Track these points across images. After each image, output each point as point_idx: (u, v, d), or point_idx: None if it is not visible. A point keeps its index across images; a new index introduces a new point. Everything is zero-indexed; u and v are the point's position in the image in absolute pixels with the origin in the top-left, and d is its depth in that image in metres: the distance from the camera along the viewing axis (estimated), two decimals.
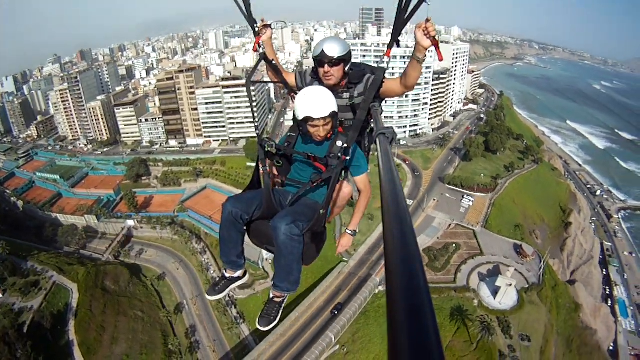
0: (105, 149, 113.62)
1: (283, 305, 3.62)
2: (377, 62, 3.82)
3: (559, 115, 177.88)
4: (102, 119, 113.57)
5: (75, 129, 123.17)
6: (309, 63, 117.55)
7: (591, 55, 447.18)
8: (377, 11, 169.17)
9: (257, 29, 3.62)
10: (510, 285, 49.46)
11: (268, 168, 3.54)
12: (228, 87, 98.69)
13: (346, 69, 3.48)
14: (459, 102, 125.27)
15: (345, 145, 3.21)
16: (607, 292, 71.77)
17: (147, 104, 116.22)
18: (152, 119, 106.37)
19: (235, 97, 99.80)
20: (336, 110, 3.24)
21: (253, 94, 3.83)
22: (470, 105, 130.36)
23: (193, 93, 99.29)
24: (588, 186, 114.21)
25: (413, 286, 0.74)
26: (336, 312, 50.93)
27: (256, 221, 3.50)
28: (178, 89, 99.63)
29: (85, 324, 60.27)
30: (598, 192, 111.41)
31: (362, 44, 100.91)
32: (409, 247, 0.90)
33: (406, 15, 2.77)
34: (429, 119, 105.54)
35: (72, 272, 69.18)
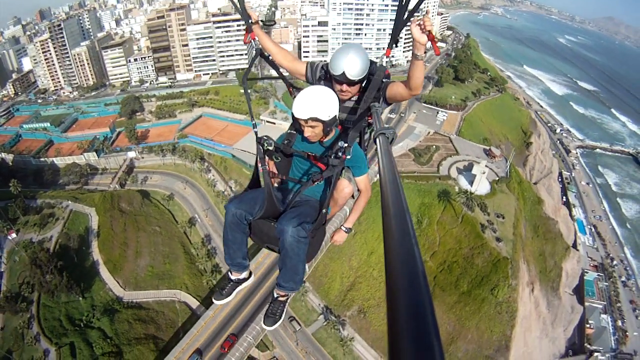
0: (92, 93, 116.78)
1: (287, 304, 3.78)
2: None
3: (522, 63, 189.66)
4: (88, 63, 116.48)
5: (58, 78, 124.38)
6: None
7: (559, 11, 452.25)
8: None
9: (250, 24, 3.56)
10: (484, 173, 59.64)
11: (268, 167, 3.51)
12: (219, 22, 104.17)
13: (363, 84, 3.51)
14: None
15: (346, 144, 3.29)
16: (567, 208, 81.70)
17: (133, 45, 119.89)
18: (142, 57, 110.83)
19: (226, 31, 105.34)
20: (322, 117, 3.21)
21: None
22: (440, 44, 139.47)
23: (184, 30, 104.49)
24: (549, 125, 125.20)
25: (413, 286, 0.76)
26: None
27: (257, 221, 3.51)
28: (169, 27, 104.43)
29: (108, 243, 64.41)
30: (558, 130, 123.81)
31: None
32: (409, 247, 0.91)
33: (406, 15, 2.91)
34: (403, 51, 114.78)
35: (87, 198, 73.40)
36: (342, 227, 3.98)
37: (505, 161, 69.22)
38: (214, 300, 4.01)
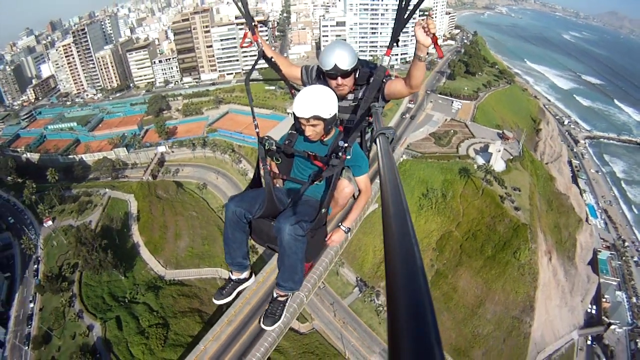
0: (117, 95, 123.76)
1: (287, 304, 3.79)
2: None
3: (527, 60, 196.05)
4: (112, 66, 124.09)
5: (80, 82, 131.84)
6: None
7: (563, 7, 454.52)
8: None
9: (254, 26, 3.66)
10: (499, 151, 65.64)
11: (269, 166, 3.65)
12: (242, 23, 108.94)
13: (357, 75, 3.66)
14: (439, 38, 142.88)
15: (346, 144, 3.41)
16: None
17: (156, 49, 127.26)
18: (166, 59, 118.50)
19: None
20: (323, 115, 3.32)
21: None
22: (449, 41, 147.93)
23: (208, 31, 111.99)
24: (557, 117, 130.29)
25: (413, 286, 0.78)
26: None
27: (257, 220, 3.58)
28: (193, 29, 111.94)
29: (148, 226, 69.16)
30: (566, 122, 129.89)
31: None
32: (409, 247, 0.92)
33: (406, 15, 3.05)
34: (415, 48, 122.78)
35: (125, 186, 78.43)
36: (340, 226, 3.83)
37: (518, 143, 75.08)
38: (214, 300, 4.06)
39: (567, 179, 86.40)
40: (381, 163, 1.78)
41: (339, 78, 3.56)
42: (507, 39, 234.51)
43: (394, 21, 3.22)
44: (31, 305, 59.37)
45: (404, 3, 2.97)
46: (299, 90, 3.53)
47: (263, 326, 3.71)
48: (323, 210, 3.40)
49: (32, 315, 58.02)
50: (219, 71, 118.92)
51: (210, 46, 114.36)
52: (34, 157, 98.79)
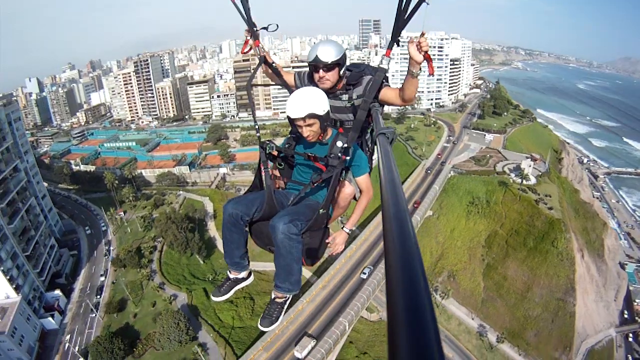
0: (174, 124, 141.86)
1: (285, 306, 3.87)
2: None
3: (545, 110, 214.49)
4: (171, 97, 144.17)
5: (136, 109, 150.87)
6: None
7: (576, 59, 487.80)
8: (375, 22, 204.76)
9: (256, 32, 3.93)
10: (530, 165, 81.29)
11: (270, 170, 3.86)
12: (297, 67, 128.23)
13: (341, 72, 3.81)
14: (466, 86, 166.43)
15: (346, 145, 3.51)
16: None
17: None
18: (224, 95, 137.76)
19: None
20: (318, 112, 3.49)
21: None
22: (475, 90, 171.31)
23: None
24: (577, 156, 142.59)
25: (413, 286, 0.80)
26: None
27: (258, 222, 3.79)
28: (252, 69, 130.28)
29: None
30: (585, 161, 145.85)
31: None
32: (409, 247, 0.95)
33: (406, 16, 3.15)
34: (448, 94, 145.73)
35: (198, 190, 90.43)
36: (344, 228, 4.00)
37: (544, 163, 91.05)
38: (212, 296, 4.21)
39: (590, 194, 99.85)
40: (381, 163, 1.88)
41: (321, 71, 3.74)
42: (524, 91, 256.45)
43: (394, 21, 3.39)
44: (102, 278, 66.85)
45: (403, 4, 3.11)
46: None
47: (260, 327, 3.83)
48: (322, 210, 3.56)
49: (103, 287, 64.88)
50: (273, 109, 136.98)
51: (267, 85, 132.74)
52: (90, 168, 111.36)
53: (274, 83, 4.44)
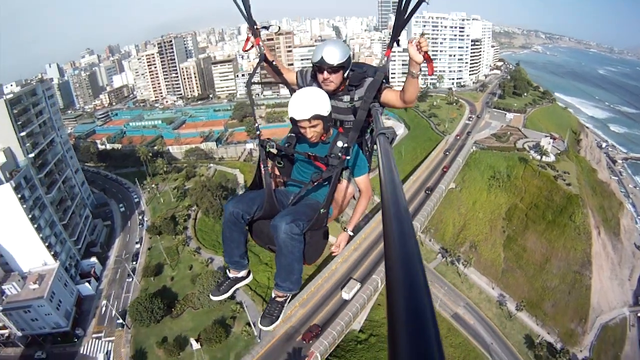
0: (198, 102, 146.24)
1: (286, 305, 3.91)
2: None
3: (562, 93, 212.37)
4: (195, 76, 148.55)
5: (160, 89, 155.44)
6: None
7: (597, 44, 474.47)
8: (394, 3, 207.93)
9: (256, 30, 3.95)
10: (549, 143, 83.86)
11: (270, 168, 3.87)
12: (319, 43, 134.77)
13: (345, 74, 3.78)
14: (487, 67, 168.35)
15: (346, 145, 3.51)
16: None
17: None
18: (249, 73, 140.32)
19: None
20: (322, 113, 3.47)
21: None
22: (495, 71, 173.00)
23: (290, 51, 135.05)
24: (595, 141, 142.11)
25: (413, 286, 0.80)
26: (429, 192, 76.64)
27: (258, 221, 3.81)
28: (277, 48, 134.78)
29: None
30: (603, 145, 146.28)
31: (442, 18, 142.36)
32: (409, 247, 0.96)
33: (406, 15, 3.19)
34: (469, 74, 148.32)
35: (228, 163, 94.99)
36: (346, 229, 4.04)
37: (563, 142, 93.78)
38: (211, 296, 4.21)
39: (607, 174, 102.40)
40: (381, 163, 1.89)
41: (326, 72, 3.70)
42: (543, 75, 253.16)
43: (394, 21, 3.42)
44: (137, 246, 70.48)
45: (403, 3, 3.14)
46: None
47: (261, 326, 3.84)
48: (322, 210, 3.56)
49: (138, 254, 68.53)
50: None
51: (292, 64, 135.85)
52: (116, 146, 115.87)
53: (275, 81, 4.43)
